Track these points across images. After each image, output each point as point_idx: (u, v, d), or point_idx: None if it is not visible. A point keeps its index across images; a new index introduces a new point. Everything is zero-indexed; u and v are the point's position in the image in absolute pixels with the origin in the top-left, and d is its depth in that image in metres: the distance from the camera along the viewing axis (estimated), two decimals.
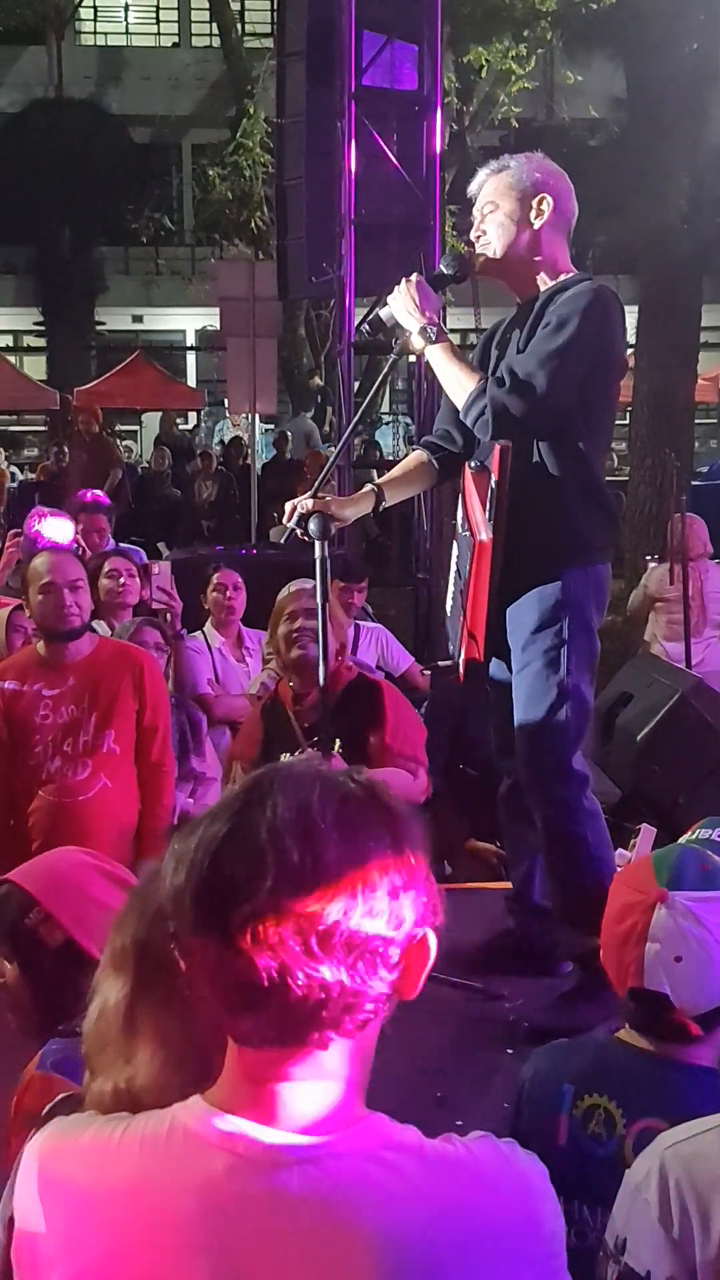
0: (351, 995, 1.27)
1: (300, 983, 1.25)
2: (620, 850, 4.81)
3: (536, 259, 3.63)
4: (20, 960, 2.34)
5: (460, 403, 3.55)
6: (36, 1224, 1.33)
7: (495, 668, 3.73)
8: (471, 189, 3.72)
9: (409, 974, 1.31)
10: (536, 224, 3.61)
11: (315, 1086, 1.30)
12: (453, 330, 4.08)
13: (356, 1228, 1.25)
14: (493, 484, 3.43)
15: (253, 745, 4.26)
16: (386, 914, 1.27)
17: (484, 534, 3.49)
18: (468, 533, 3.66)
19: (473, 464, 3.63)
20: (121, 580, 6.03)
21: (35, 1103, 2.13)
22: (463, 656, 3.74)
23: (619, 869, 4.54)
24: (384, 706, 4.24)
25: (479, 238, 3.68)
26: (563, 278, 3.62)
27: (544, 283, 3.63)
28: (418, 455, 3.90)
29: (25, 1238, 1.34)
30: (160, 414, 23.95)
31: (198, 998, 1.32)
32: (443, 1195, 1.28)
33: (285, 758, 3.90)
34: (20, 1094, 2.21)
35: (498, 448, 3.42)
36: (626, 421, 14.91)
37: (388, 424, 22.17)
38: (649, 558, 9.23)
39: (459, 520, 3.78)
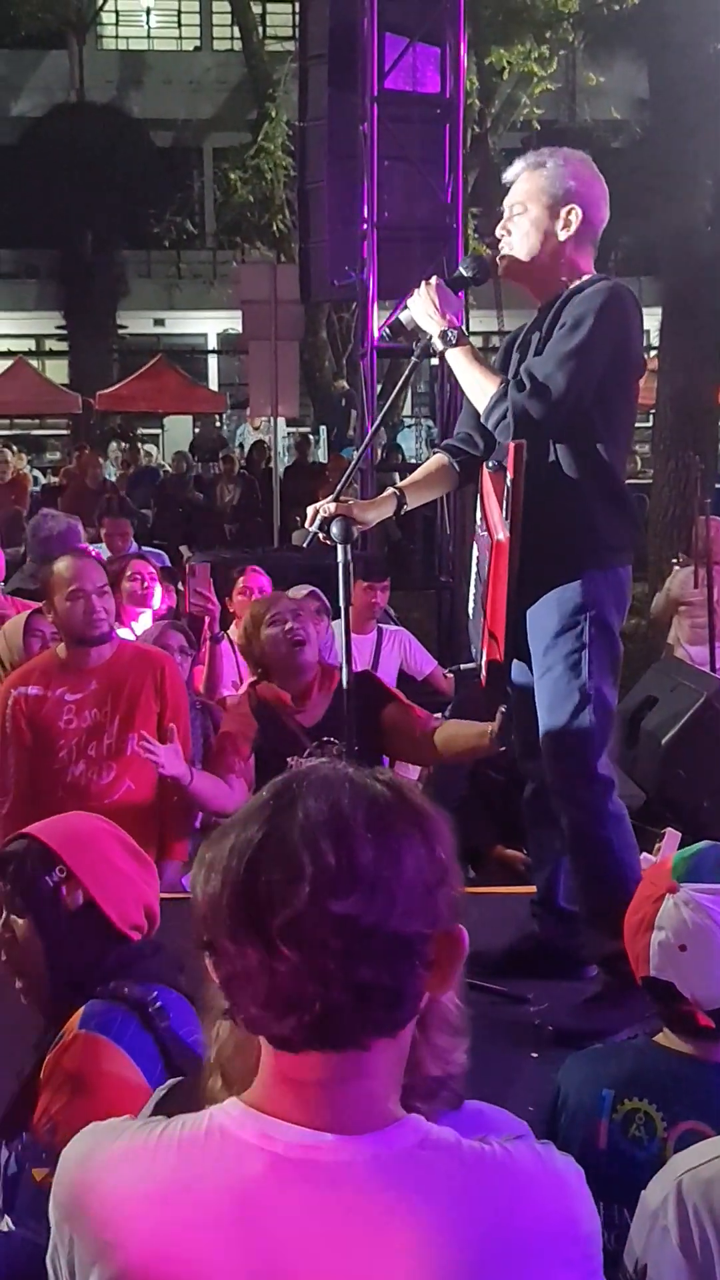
0: (391, 995, 1.28)
1: (341, 984, 1.25)
2: (645, 854, 4.79)
3: (559, 266, 3.62)
4: (36, 918, 2.29)
5: (481, 407, 3.55)
6: (73, 1227, 1.33)
7: (517, 670, 3.73)
8: (508, 176, 3.68)
9: (443, 970, 1.32)
10: (562, 236, 3.58)
11: (353, 1087, 1.30)
12: (475, 332, 4.09)
13: (395, 1226, 1.25)
14: (509, 482, 3.42)
15: (245, 741, 4.26)
16: (421, 912, 1.28)
17: (501, 533, 3.49)
18: (486, 533, 3.66)
19: (490, 464, 3.63)
20: (145, 584, 6.06)
21: (75, 1063, 2.14)
22: (484, 659, 3.73)
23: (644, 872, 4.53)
24: (383, 685, 4.44)
25: (504, 236, 3.66)
26: (582, 279, 3.61)
27: (561, 285, 3.62)
28: (439, 459, 3.90)
29: (62, 1247, 1.35)
30: (178, 417, 24.08)
31: (232, 1004, 1.32)
32: (480, 1195, 1.28)
33: (291, 761, 3.91)
34: (59, 1053, 2.18)
35: (512, 446, 3.42)
36: (649, 424, 14.88)
37: (409, 427, 22.17)
38: (674, 560, 9.21)
39: (479, 522, 3.77)
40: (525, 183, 3.62)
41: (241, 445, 21.30)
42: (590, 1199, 1.37)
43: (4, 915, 2.35)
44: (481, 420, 3.58)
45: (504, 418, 3.46)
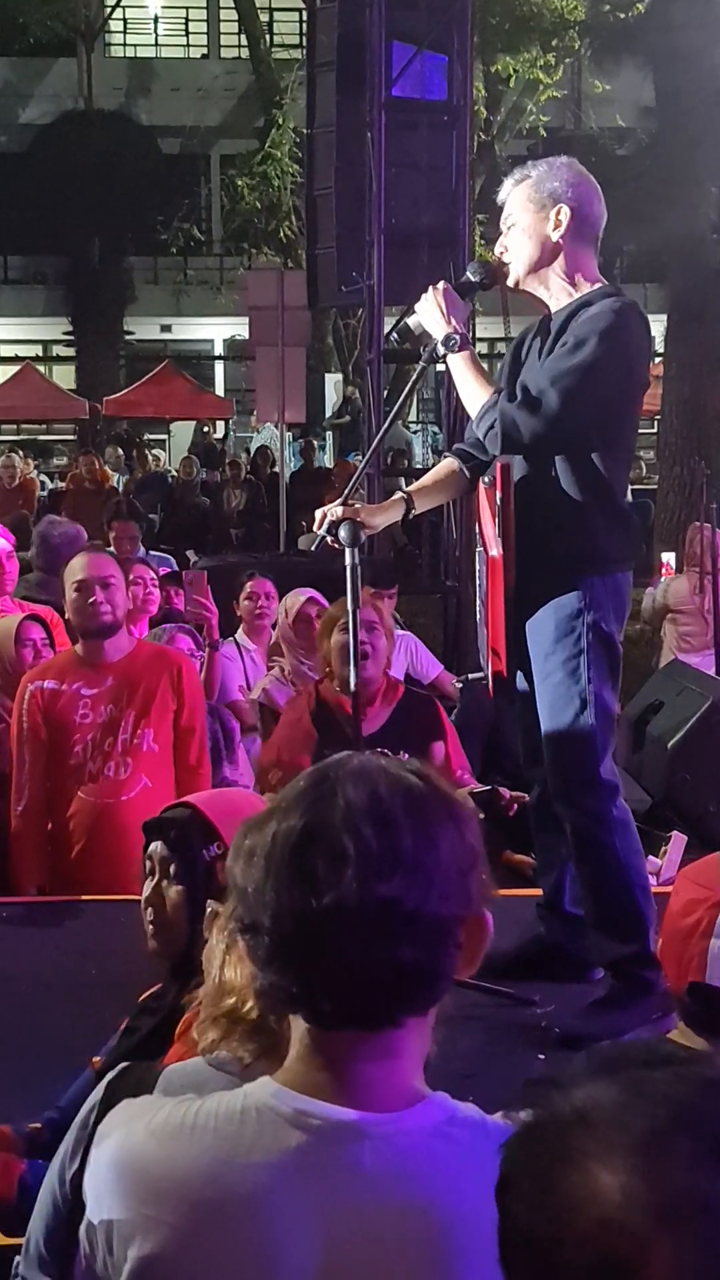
0: (427, 975, 1.34)
1: (383, 965, 1.31)
2: (651, 858, 4.80)
3: (559, 271, 3.60)
4: (189, 888, 2.40)
5: (474, 413, 3.56)
6: (110, 1207, 1.37)
7: (520, 677, 3.74)
8: (500, 198, 3.70)
9: (470, 952, 1.38)
10: (555, 236, 3.56)
11: (384, 1065, 1.36)
12: (481, 339, 4.11)
13: (426, 1200, 1.31)
14: (498, 500, 3.44)
15: (308, 755, 4.20)
16: (457, 894, 1.34)
17: (494, 549, 3.50)
18: (481, 548, 3.67)
19: (485, 479, 3.63)
20: (146, 589, 6.08)
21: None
22: (490, 669, 3.75)
23: (650, 876, 4.55)
24: (443, 720, 4.31)
25: (503, 253, 3.67)
26: (586, 291, 3.57)
27: (568, 294, 3.59)
28: (449, 463, 3.90)
29: (100, 1221, 1.38)
30: (184, 423, 24.12)
31: (272, 985, 1.36)
32: None
33: None
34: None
35: (499, 465, 3.44)
36: (655, 430, 14.91)
37: (416, 433, 22.21)
38: (662, 558, 9.25)
39: (477, 535, 3.79)
40: (513, 197, 3.63)
41: (247, 450, 21.35)
42: None
43: (157, 877, 2.47)
44: (474, 427, 3.60)
45: (492, 426, 3.46)
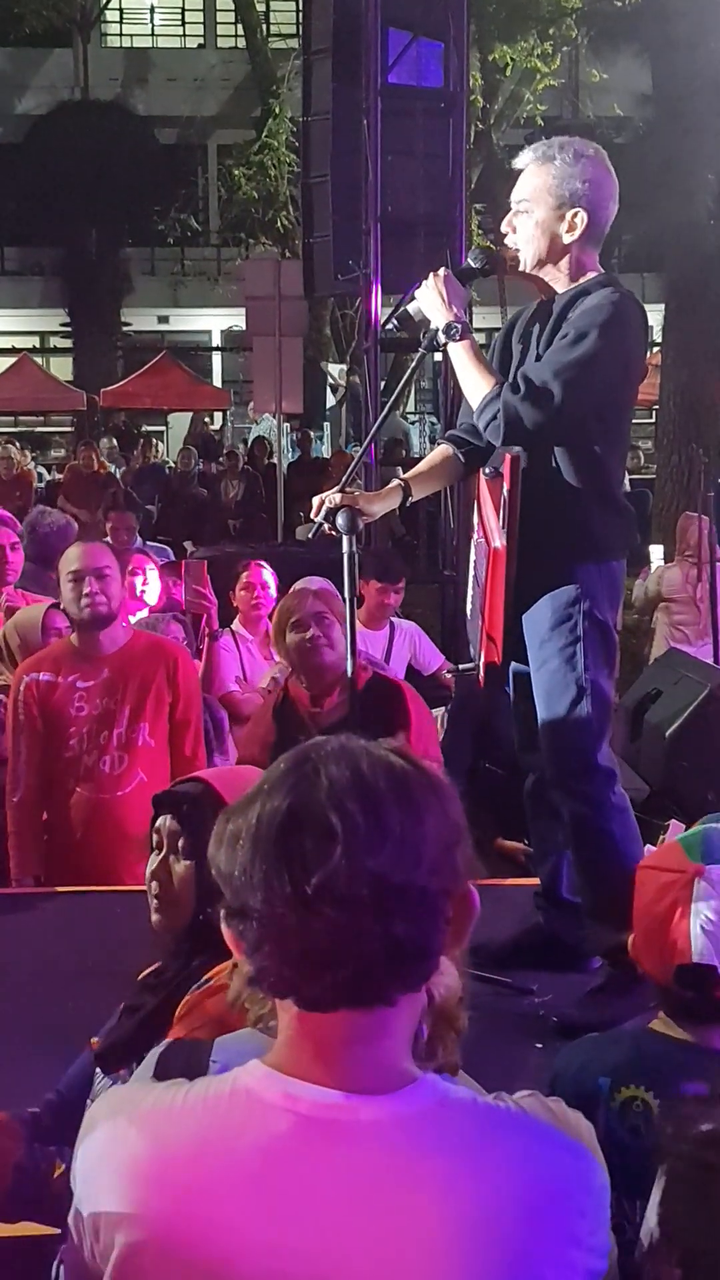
0: (420, 949, 1.34)
1: (375, 940, 1.31)
2: (649, 846, 4.80)
3: (563, 267, 3.58)
4: (198, 865, 2.35)
5: (475, 404, 3.54)
6: (97, 1197, 1.36)
7: (513, 664, 3.73)
8: (517, 163, 3.64)
9: (458, 927, 1.38)
10: (567, 239, 3.53)
11: (375, 1046, 1.35)
12: (478, 329, 4.07)
13: (418, 1182, 1.30)
14: (505, 493, 3.43)
15: (265, 750, 4.21)
16: (444, 868, 1.34)
17: (498, 540, 3.49)
18: (482, 539, 3.65)
19: (487, 470, 3.61)
20: (144, 579, 6.07)
21: (221, 1010, 2.12)
22: (482, 659, 3.73)
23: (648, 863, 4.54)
24: (408, 706, 4.28)
25: (508, 233, 3.64)
26: (584, 280, 3.56)
27: (566, 284, 3.58)
28: (443, 450, 3.89)
29: (89, 1213, 1.37)
30: (182, 414, 24.08)
31: (261, 969, 1.35)
32: (498, 1150, 1.34)
33: None
34: (204, 996, 2.19)
35: (508, 457, 3.42)
36: (653, 419, 14.89)
37: (414, 423, 22.18)
38: (650, 550, 9.24)
39: (475, 525, 3.77)
40: (533, 177, 3.57)
41: (245, 441, 21.33)
42: (600, 1153, 1.42)
43: (164, 852, 2.43)
44: (474, 419, 3.58)
45: (494, 418, 3.45)
